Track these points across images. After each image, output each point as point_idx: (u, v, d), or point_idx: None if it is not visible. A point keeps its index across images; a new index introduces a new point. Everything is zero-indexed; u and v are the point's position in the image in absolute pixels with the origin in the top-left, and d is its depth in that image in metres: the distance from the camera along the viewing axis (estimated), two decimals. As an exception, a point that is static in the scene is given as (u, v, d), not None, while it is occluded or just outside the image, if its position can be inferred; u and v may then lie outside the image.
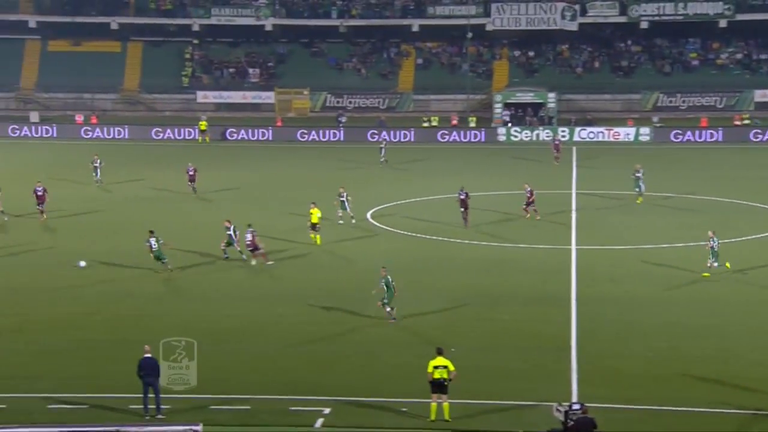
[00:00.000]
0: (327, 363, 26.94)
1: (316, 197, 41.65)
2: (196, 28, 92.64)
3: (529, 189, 44.81)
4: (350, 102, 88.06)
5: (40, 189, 43.99)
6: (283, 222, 44.02)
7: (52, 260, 36.95)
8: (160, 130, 77.32)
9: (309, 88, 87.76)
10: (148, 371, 23.00)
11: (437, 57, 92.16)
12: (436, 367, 23.20)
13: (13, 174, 57.34)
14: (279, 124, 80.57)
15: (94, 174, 52.05)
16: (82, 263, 35.66)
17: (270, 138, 76.32)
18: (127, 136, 76.53)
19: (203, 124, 75.38)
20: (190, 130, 77.12)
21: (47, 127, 78.18)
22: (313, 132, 76.91)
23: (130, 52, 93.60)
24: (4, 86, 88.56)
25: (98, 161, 52.04)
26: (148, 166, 61.99)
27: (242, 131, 77.25)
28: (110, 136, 76.78)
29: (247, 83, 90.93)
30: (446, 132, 76.84)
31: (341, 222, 43.04)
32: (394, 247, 40.05)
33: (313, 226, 39.44)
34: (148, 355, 23.24)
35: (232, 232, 36.37)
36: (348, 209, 43.37)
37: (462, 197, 42.72)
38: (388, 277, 30.20)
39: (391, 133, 76.35)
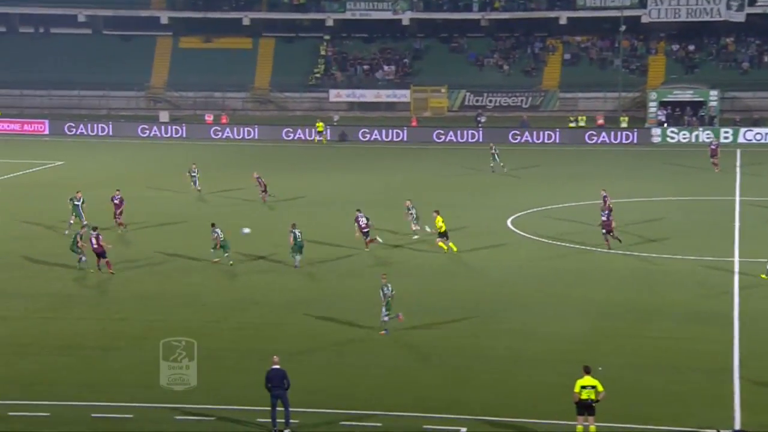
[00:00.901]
0: (462, 379, 26.82)
1: (448, 202, 41.50)
2: (329, 23, 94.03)
3: (605, 195, 43.64)
4: (490, 100, 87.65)
5: (117, 198, 44.41)
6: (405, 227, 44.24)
7: (176, 267, 37.99)
8: (290, 130, 78.80)
9: (446, 86, 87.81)
10: (276, 383, 23.33)
11: (586, 52, 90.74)
12: (583, 387, 22.76)
13: (140, 176, 59.50)
14: (414, 124, 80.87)
15: (192, 184, 51.73)
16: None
17: (404, 139, 76.74)
18: (257, 137, 78.20)
19: (320, 125, 76.56)
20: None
21: (177, 127, 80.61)
22: (451, 132, 76.88)
23: (261, 48, 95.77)
24: (134, 85, 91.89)
25: (195, 170, 52.01)
26: (274, 169, 63.21)
27: (375, 132, 77.93)
28: (239, 137, 78.69)
29: (382, 81, 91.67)
30: (594, 133, 75.55)
31: (416, 237, 41.48)
32: (533, 256, 39.62)
33: (442, 235, 39.04)
34: (276, 366, 23.58)
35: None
36: (415, 222, 41.55)
37: (605, 219, 39.79)
38: (389, 285, 30.08)
39: (534, 133, 75.62)
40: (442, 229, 38.99)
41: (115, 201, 44.10)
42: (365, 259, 38.65)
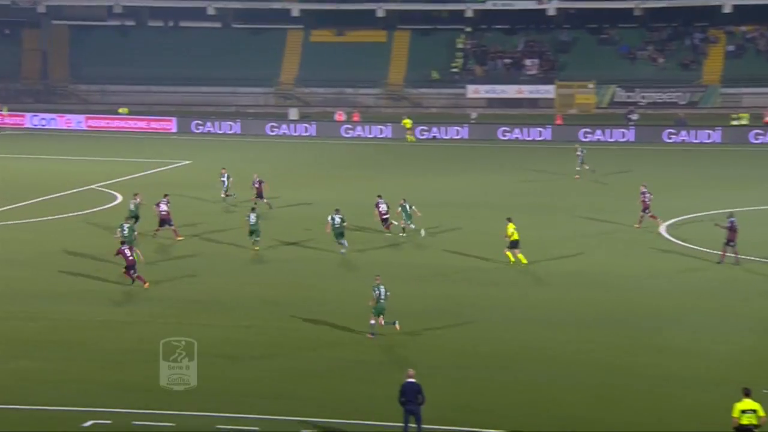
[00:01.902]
0: (608, 397, 26.47)
1: (595, 206, 40.84)
2: (469, 14, 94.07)
3: (644, 190, 43.66)
4: (643, 97, 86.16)
5: (257, 181, 48.11)
6: (550, 234, 43.88)
7: (309, 271, 38.62)
8: (425, 128, 79.10)
9: (595, 81, 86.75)
10: (410, 397, 23.45)
11: (753, 43, 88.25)
12: (743, 411, 22.19)
13: (267, 176, 60.85)
14: (559, 121, 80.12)
15: (222, 189, 50.58)
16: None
17: (548, 137, 76.12)
18: (390, 135, 78.76)
19: (407, 122, 76.52)
20: (458, 128, 78.42)
21: (306, 125, 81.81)
22: (599, 131, 75.89)
23: (396, 41, 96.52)
24: (264, 81, 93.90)
25: (226, 175, 50.80)
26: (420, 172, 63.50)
27: (516, 130, 77.53)
28: (371, 135, 79.40)
29: (524, 76, 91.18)
30: (761, 131, 73.41)
31: (403, 234, 42.74)
32: (688, 266, 38.81)
33: (512, 244, 38.35)
34: (412, 379, 23.71)
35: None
36: (406, 221, 42.71)
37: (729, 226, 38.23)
38: (382, 287, 30.44)
39: (692, 133, 73.96)
40: (513, 238, 38.29)
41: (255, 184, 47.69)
42: (507, 270, 38.44)
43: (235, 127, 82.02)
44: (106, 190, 54.58)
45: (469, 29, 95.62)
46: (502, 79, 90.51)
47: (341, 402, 25.89)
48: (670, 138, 74.18)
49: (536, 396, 26.59)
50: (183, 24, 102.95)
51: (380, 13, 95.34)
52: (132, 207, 43.31)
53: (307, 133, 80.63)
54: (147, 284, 35.03)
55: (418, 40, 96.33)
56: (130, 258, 34.95)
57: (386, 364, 28.45)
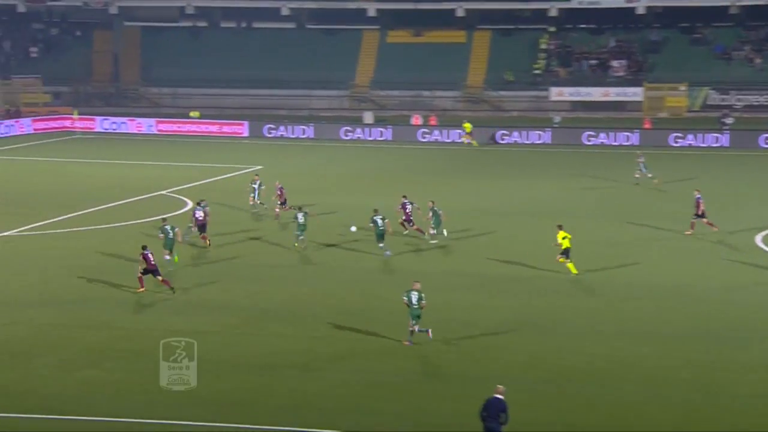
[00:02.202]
0: (696, 416, 25.68)
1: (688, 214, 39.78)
2: (553, 13, 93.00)
3: (699, 196, 43.83)
4: (739, 99, 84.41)
5: (278, 188, 48.15)
6: (617, 241, 42.85)
7: (383, 279, 38.19)
8: (506, 132, 78.26)
9: (687, 83, 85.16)
10: (492, 414, 22.78)
11: None
12: None
13: (341, 181, 60.55)
14: (647, 125, 78.78)
15: (252, 195, 49.67)
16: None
17: (635, 142, 74.82)
18: (468, 139, 78.07)
19: (468, 126, 76.10)
20: (540, 132, 77.45)
21: (381, 129, 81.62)
22: (690, 136, 74.48)
23: (475, 42, 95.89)
24: (338, 83, 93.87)
25: (257, 182, 50.17)
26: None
27: (602, 134, 76.35)
28: (449, 140, 78.77)
29: (611, 77, 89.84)
30: None
31: (434, 242, 43.12)
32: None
33: (564, 252, 37.87)
34: (499, 396, 23.00)
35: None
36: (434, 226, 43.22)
37: None
38: (414, 292, 30.39)
39: (791, 138, 72.23)
40: (564, 245, 37.83)
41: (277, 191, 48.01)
42: (564, 281, 37.58)
43: (309, 131, 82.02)
44: (176, 195, 54.70)
45: (552, 29, 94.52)
46: (588, 81, 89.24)
47: (420, 415, 25.42)
48: (766, 143, 72.44)
49: (627, 412, 25.83)
50: (256, 25, 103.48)
51: (460, 13, 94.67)
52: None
53: (383, 138, 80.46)
54: (170, 286, 35.43)
55: (498, 41, 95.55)
56: (153, 263, 35.39)
57: (463, 378, 27.81)
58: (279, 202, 48.21)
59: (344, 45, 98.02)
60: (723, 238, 43.73)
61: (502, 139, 77.71)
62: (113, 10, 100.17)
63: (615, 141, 75.83)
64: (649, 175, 56.97)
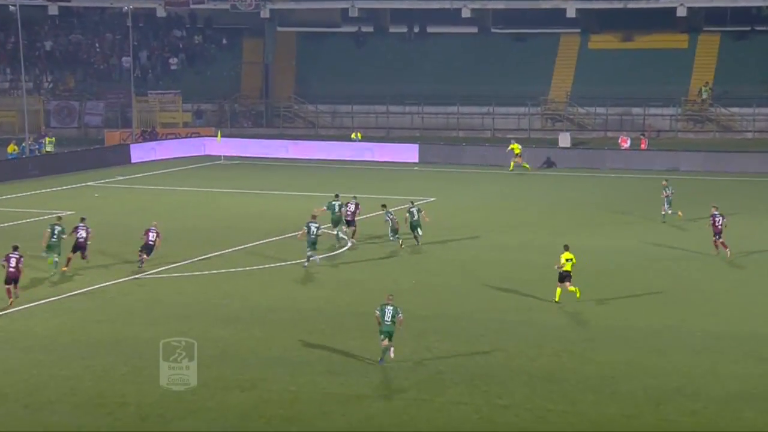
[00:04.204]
0: None
1: None
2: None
3: (716, 213, 48.21)
4: None
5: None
6: None
7: (587, 338, 37.73)
8: (739, 156, 76.93)
9: None
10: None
11: None
12: None
13: (526, 216, 60.28)
14: None
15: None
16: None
17: None
18: (693, 168, 77.11)
19: (516, 147, 77.47)
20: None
21: (587, 153, 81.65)
22: None
23: (700, 47, 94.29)
24: (528, 99, 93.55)
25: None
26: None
27: None
28: (664, 167, 77.62)
29: None
30: None
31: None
32: None
33: (563, 275, 40.47)
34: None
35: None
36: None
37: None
38: (389, 307, 33.69)
39: None
40: (564, 268, 40.25)
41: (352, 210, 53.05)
42: None
43: (491, 155, 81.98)
44: (333, 232, 55.29)
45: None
46: None
47: None
48: None
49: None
50: (431, 29, 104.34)
51: (681, 12, 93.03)
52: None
53: (582, 165, 79.91)
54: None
55: (729, 46, 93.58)
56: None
57: None
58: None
59: (537, 52, 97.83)
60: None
61: (731, 168, 76.05)
62: (265, 14, 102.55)
63: None
64: (671, 212, 57.15)
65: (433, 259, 49.71)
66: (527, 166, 78.08)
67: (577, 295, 40.68)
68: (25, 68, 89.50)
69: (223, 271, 47.62)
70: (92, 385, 32.20)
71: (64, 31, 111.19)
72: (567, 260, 40.39)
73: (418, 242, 51.22)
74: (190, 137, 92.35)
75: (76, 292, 43.46)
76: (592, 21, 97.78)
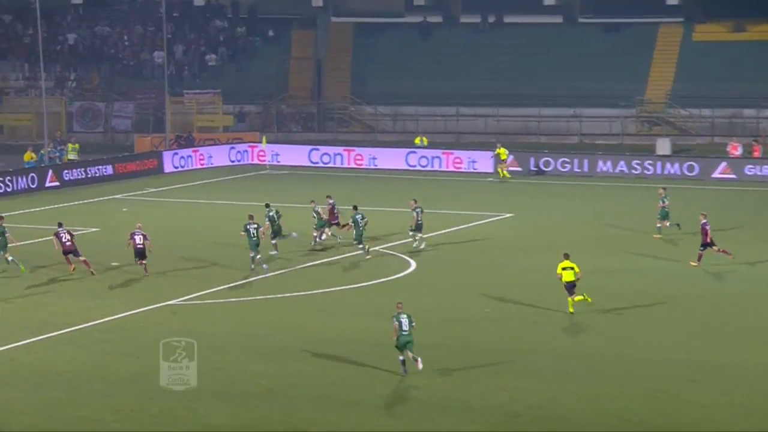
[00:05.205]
0: None
1: None
2: None
3: (705, 221, 50.39)
4: None
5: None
6: None
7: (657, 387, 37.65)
8: None
9: None
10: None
11: None
12: None
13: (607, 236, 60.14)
14: None
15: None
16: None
17: None
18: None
19: (503, 152, 79.81)
20: None
21: (687, 161, 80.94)
22: None
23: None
24: (622, 99, 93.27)
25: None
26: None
27: None
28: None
29: None
30: None
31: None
32: None
33: (568, 285, 42.32)
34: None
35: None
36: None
37: None
38: (403, 316, 36.10)
39: None
40: (565, 278, 42.13)
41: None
42: None
43: (575, 164, 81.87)
44: (395, 253, 55.43)
45: None
46: None
47: None
48: None
49: None
50: (508, 20, 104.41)
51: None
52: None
53: (686, 174, 79.59)
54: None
55: None
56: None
57: None
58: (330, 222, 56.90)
59: (631, 45, 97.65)
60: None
61: None
62: (317, 2, 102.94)
63: None
64: (667, 224, 57.80)
65: (507, 283, 49.55)
66: (508, 174, 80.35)
67: (588, 300, 42.89)
68: (45, 64, 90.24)
69: (268, 297, 47.91)
70: (118, 429, 32.33)
71: (88, 23, 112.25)
72: (564, 269, 42.11)
73: (419, 244, 55.02)
74: (232, 143, 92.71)
75: (100, 321, 43.87)
76: (697, 8, 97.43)
